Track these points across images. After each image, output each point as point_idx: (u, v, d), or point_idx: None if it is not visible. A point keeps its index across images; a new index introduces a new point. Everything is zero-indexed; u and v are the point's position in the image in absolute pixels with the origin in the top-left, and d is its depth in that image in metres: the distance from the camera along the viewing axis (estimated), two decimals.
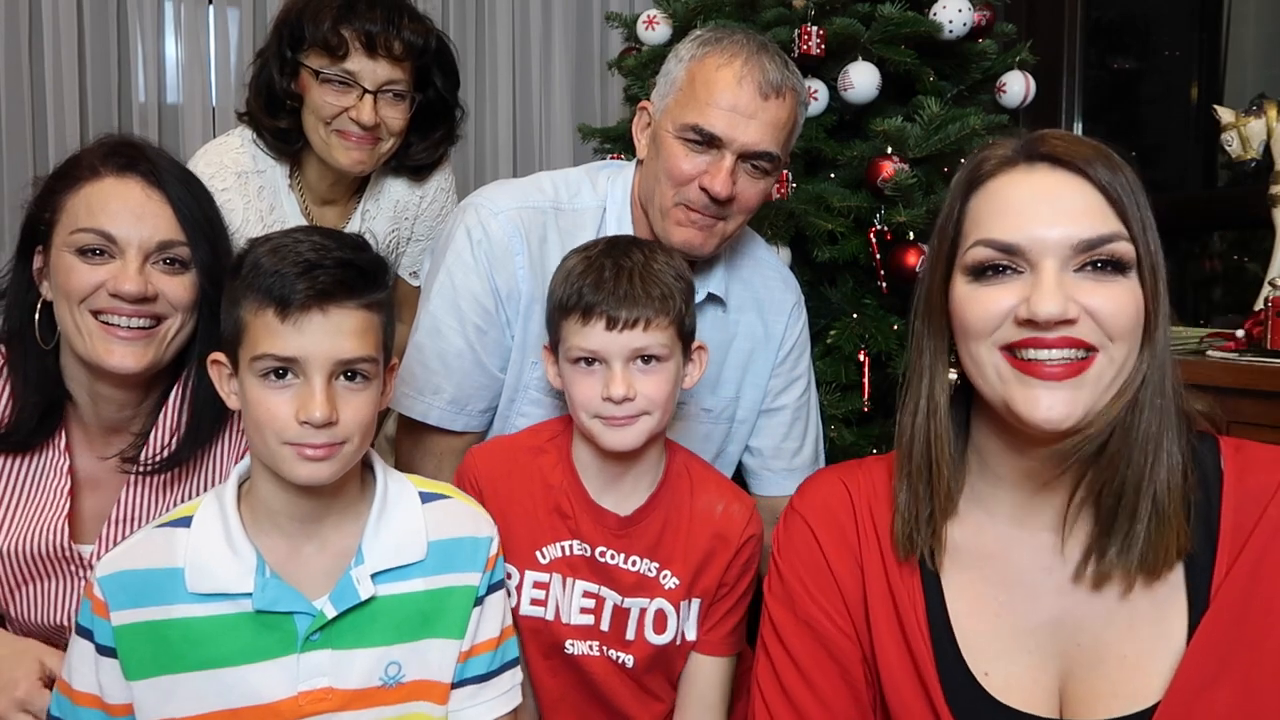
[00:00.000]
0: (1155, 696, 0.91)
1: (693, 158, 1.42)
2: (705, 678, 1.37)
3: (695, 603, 1.35)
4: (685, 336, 1.30)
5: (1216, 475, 0.95)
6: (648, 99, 1.53)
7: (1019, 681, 0.96)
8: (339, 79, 1.72)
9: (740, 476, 1.74)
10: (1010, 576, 0.99)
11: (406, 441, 1.60)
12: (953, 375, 1.00)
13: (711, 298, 1.59)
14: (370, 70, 1.72)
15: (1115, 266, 0.90)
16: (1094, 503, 0.94)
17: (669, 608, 1.34)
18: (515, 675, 1.23)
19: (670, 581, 1.33)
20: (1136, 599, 0.94)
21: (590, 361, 1.26)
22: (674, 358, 1.28)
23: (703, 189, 1.42)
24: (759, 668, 1.11)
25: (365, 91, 1.72)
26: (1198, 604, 0.92)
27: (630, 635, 1.34)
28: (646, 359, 1.26)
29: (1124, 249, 0.90)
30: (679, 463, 1.37)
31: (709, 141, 1.41)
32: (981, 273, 0.93)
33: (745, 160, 1.42)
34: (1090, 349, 0.89)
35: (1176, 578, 0.93)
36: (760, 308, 1.65)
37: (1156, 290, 0.91)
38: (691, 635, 1.36)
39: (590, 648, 1.35)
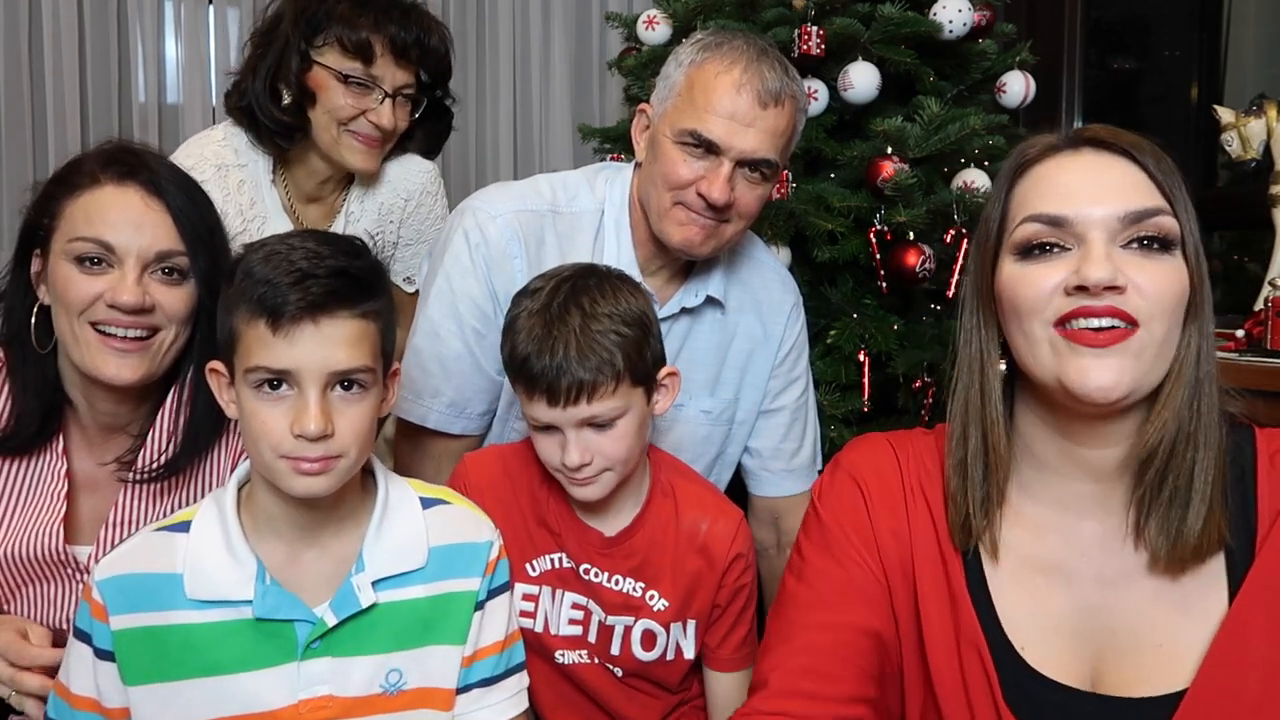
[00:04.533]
0: (1186, 681, 0.92)
1: (690, 163, 1.42)
2: (725, 694, 1.36)
3: (691, 624, 1.34)
4: (643, 379, 1.25)
5: (1252, 465, 0.96)
6: (647, 100, 1.53)
7: (1054, 659, 0.98)
8: (364, 82, 1.73)
9: (739, 477, 1.74)
10: (1050, 562, 1.00)
11: (405, 444, 1.60)
12: (1002, 366, 1.02)
13: (710, 300, 1.59)
14: (391, 74, 1.74)
15: (1161, 244, 0.92)
16: (1140, 491, 0.96)
17: (657, 628, 1.33)
18: (523, 679, 1.23)
19: (659, 603, 1.32)
20: (1175, 589, 0.95)
21: (545, 426, 1.24)
22: (631, 409, 1.24)
23: (700, 195, 1.41)
24: (776, 604, 1.10)
25: (385, 95, 1.73)
26: (1235, 594, 0.93)
27: (615, 650, 1.34)
28: (598, 424, 1.23)
29: (1169, 224, 0.92)
30: (664, 481, 1.35)
31: (707, 148, 1.40)
32: (1029, 251, 0.95)
33: (743, 166, 1.42)
34: (1133, 322, 0.91)
35: (1216, 568, 0.95)
36: (759, 309, 1.64)
37: (1200, 271, 0.93)
38: (689, 653, 1.35)
39: (581, 656, 1.35)
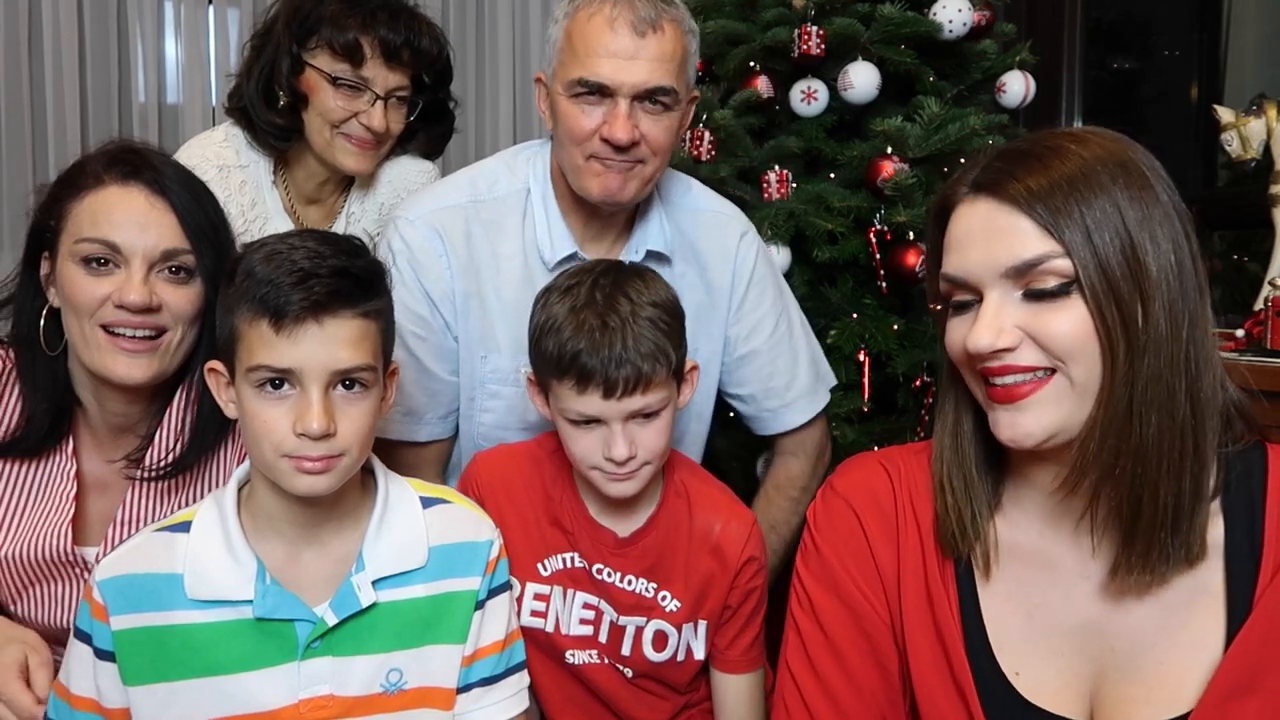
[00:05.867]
0: (1189, 704, 0.90)
1: (589, 111, 1.41)
2: (734, 696, 1.36)
3: (702, 624, 1.34)
4: (678, 371, 1.26)
5: (1261, 484, 0.94)
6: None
7: (1050, 684, 0.96)
8: (354, 84, 1.72)
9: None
10: (1046, 577, 0.99)
11: (381, 458, 1.60)
12: None
13: (654, 255, 1.57)
14: (382, 77, 1.74)
15: (1056, 289, 0.89)
16: (1115, 510, 0.94)
17: (669, 628, 1.33)
18: (523, 678, 1.23)
19: (671, 604, 1.32)
20: (1175, 606, 0.93)
21: (588, 421, 1.23)
22: (671, 401, 1.25)
23: (605, 140, 1.41)
24: (788, 647, 1.09)
25: (376, 97, 1.73)
26: (1238, 613, 0.91)
27: (626, 651, 1.34)
28: (646, 415, 1.23)
29: (1059, 267, 0.88)
30: (677, 481, 1.35)
31: (599, 91, 1.40)
32: (950, 303, 0.96)
33: (641, 101, 1.41)
34: (1047, 370, 0.90)
35: (1218, 586, 0.93)
36: (700, 261, 1.61)
37: (1115, 302, 0.87)
38: (699, 654, 1.35)
39: (591, 656, 1.35)
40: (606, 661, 1.35)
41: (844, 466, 1.12)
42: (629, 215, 1.57)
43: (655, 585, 1.32)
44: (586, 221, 1.54)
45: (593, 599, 1.33)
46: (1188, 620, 0.93)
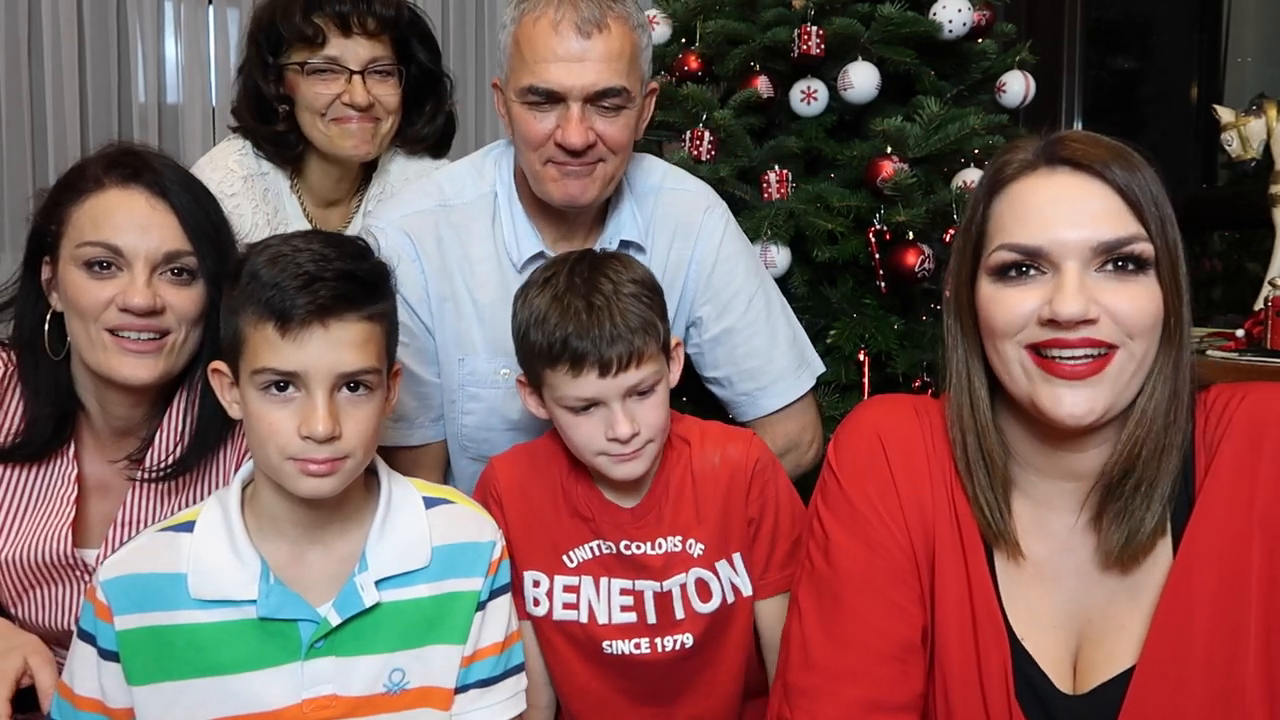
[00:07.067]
0: (1135, 659, 0.94)
1: (542, 117, 1.41)
2: (773, 618, 1.34)
3: (736, 557, 1.34)
4: (665, 346, 1.28)
5: (1191, 429, 0.98)
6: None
7: (1046, 654, 0.99)
8: (323, 67, 1.72)
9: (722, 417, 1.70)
10: (1037, 555, 1.01)
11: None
12: None
13: (628, 244, 1.57)
14: (351, 51, 1.72)
15: (1136, 265, 0.92)
16: (1107, 489, 0.97)
17: (706, 573, 1.33)
18: (520, 681, 1.23)
19: (697, 549, 1.32)
20: (1134, 571, 0.98)
21: (587, 406, 1.24)
22: (663, 375, 1.27)
23: (559, 145, 1.40)
24: (799, 585, 1.08)
25: (352, 73, 1.72)
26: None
27: (680, 614, 1.33)
28: (641, 392, 1.24)
29: (1143, 249, 0.92)
30: (673, 434, 1.36)
31: (550, 98, 1.39)
32: (1005, 274, 0.96)
33: (593, 103, 1.40)
34: (1110, 346, 0.92)
35: (1166, 546, 0.97)
36: (672, 237, 1.61)
37: (1177, 287, 0.93)
38: (746, 590, 1.34)
39: (635, 645, 1.34)
40: (658, 648, 1.33)
41: (870, 402, 1.13)
42: (599, 210, 1.57)
43: (680, 536, 1.32)
44: (555, 222, 1.55)
45: (628, 583, 1.33)
46: (1143, 580, 0.97)
